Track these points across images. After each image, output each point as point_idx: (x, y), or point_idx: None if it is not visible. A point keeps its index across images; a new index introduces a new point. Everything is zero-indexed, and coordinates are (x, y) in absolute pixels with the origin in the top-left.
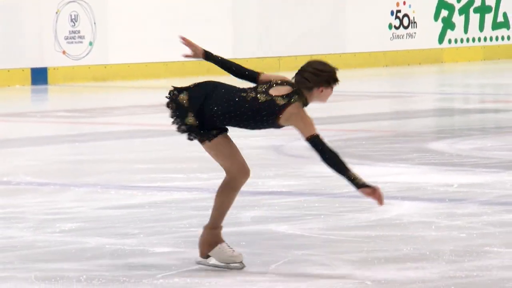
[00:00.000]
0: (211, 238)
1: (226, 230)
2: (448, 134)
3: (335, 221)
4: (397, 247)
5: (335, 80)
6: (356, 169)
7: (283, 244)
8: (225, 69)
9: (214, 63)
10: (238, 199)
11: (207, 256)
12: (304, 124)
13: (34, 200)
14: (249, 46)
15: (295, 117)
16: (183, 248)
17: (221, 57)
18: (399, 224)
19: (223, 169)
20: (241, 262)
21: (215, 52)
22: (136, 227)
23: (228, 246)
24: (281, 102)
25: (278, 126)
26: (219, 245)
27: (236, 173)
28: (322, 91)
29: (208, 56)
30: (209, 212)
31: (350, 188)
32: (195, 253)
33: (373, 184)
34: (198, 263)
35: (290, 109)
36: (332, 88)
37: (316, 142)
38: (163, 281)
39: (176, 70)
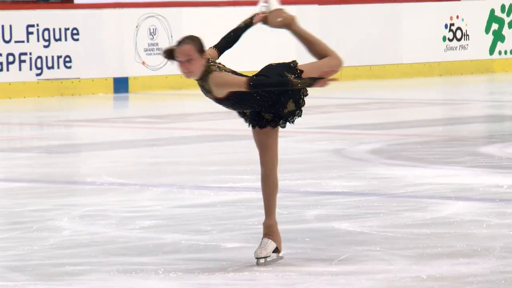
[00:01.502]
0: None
1: (291, 227)
2: (498, 139)
3: (393, 219)
4: (451, 244)
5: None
6: (412, 171)
7: (344, 241)
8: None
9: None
10: (303, 199)
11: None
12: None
13: (115, 199)
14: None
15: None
16: (252, 243)
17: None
18: (452, 223)
19: (286, 171)
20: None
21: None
22: (209, 224)
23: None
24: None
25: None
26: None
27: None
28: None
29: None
30: (276, 210)
31: (407, 188)
32: None
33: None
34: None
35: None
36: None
37: (256, 83)
38: (234, 274)
39: None
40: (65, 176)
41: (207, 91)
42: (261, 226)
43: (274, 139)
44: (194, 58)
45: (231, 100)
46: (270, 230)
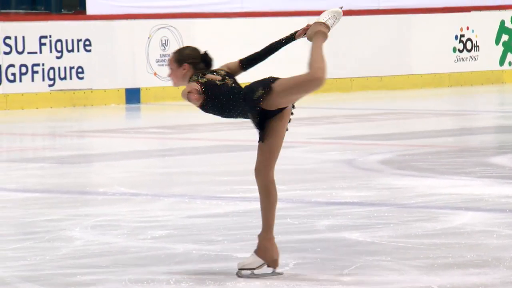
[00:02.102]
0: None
1: (302, 237)
2: (508, 149)
3: (404, 230)
4: (461, 254)
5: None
6: (422, 181)
7: (355, 250)
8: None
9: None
10: (314, 209)
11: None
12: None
13: (127, 209)
14: None
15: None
16: None
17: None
18: (463, 233)
19: (297, 181)
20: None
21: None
22: (220, 234)
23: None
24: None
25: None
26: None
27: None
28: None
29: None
30: (287, 220)
31: (418, 199)
32: None
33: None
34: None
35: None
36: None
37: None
38: (245, 284)
39: None
40: (77, 186)
41: None
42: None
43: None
44: (172, 68)
45: (206, 106)
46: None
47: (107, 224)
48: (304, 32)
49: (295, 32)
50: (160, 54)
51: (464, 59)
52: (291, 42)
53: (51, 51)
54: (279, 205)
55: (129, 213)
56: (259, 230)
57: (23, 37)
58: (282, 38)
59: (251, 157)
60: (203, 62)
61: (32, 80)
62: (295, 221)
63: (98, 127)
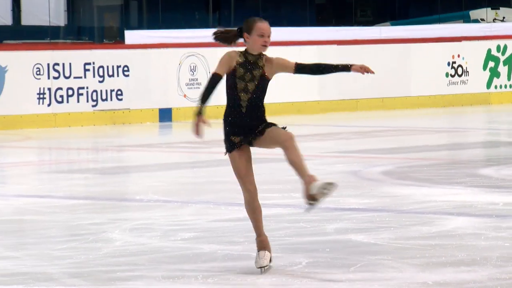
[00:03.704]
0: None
1: (313, 239)
2: (495, 162)
3: (402, 232)
4: (453, 254)
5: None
6: (419, 190)
7: (360, 251)
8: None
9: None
10: (324, 214)
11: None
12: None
13: (160, 214)
14: (332, 89)
15: None
16: (280, 253)
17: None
18: (454, 235)
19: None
20: (261, 267)
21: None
22: (242, 236)
23: (258, 255)
24: None
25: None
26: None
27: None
28: (247, 38)
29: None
30: (300, 224)
31: (415, 205)
32: (290, 257)
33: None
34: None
35: None
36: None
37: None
38: (263, 280)
39: (274, 109)
40: (117, 194)
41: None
42: (288, 238)
43: (234, 164)
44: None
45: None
46: (264, 244)
47: (142, 227)
48: (360, 70)
49: (351, 65)
50: (189, 78)
51: (456, 83)
52: (344, 71)
53: (94, 76)
54: (293, 210)
55: (162, 218)
56: (276, 233)
57: (70, 64)
58: (338, 65)
59: (269, 169)
60: None
61: (78, 101)
62: (307, 225)
63: (135, 142)
